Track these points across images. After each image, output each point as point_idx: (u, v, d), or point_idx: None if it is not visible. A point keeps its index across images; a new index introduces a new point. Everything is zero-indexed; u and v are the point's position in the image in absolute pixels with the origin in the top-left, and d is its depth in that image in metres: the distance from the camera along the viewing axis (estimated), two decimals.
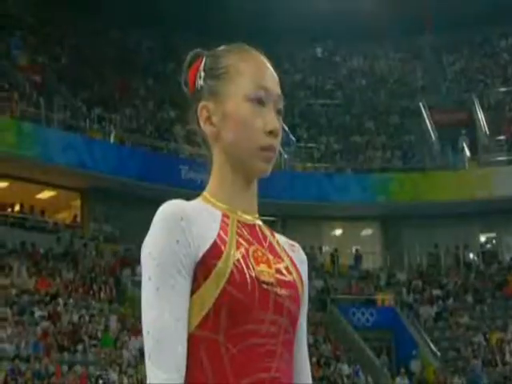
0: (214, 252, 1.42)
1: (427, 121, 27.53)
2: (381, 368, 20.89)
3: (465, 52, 30.48)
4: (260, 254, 1.47)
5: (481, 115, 27.10)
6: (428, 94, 28.81)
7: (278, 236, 1.57)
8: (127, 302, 19.77)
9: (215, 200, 1.50)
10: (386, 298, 23.09)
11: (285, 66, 30.38)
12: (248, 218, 1.52)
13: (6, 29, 24.47)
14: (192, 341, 1.40)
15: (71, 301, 18.26)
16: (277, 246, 1.53)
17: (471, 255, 24.81)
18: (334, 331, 21.63)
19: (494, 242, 25.72)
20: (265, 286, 1.43)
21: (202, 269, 1.41)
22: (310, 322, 18.91)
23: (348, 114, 28.77)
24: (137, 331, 18.13)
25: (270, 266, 1.46)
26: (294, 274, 1.51)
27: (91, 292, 19.23)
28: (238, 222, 1.49)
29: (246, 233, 1.49)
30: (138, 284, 20.47)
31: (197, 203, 1.50)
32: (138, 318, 18.86)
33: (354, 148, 27.25)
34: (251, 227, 1.51)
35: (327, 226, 25.81)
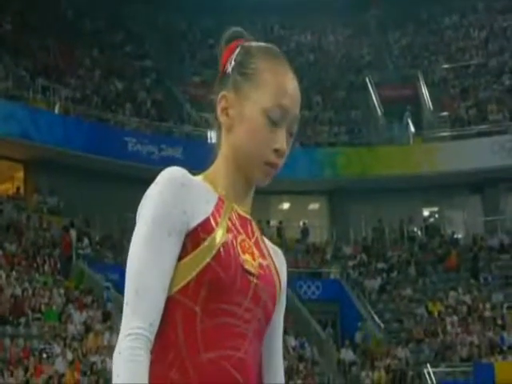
0: (206, 227, 1.47)
1: (373, 96, 27.77)
2: (326, 340, 21.20)
3: (410, 28, 30.76)
4: (247, 245, 1.52)
5: (425, 91, 27.46)
6: (374, 69, 29.03)
7: (264, 238, 1.63)
8: (72, 274, 19.56)
9: (214, 184, 1.55)
10: (331, 271, 23.39)
11: None
12: (242, 211, 1.57)
13: None
14: (171, 302, 1.45)
15: (14, 274, 17.96)
16: (262, 245, 1.59)
17: (415, 229, 25.27)
18: None
19: (436, 216, 26.23)
20: (247, 275, 1.48)
21: (192, 239, 1.46)
22: None
23: None
24: (82, 305, 17.97)
25: (254, 259, 1.52)
26: (275, 275, 1.56)
27: (35, 265, 18.94)
28: (233, 210, 1.54)
29: (237, 222, 1.54)
30: (82, 257, 20.25)
31: (199, 178, 1.54)
32: (83, 292, 18.70)
33: (302, 122, 27.31)
34: (243, 219, 1.56)
35: (275, 199, 25.91)
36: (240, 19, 30.36)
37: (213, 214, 1.49)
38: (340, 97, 28.64)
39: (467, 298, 21.44)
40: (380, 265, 23.70)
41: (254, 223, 1.60)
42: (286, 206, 27.00)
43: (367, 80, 28.20)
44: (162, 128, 24.46)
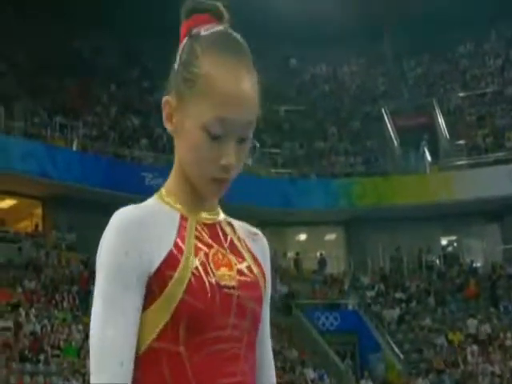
0: (170, 262, 1.34)
1: (389, 126, 27.85)
2: (345, 372, 21.06)
3: (424, 57, 30.89)
4: (220, 256, 1.40)
5: (441, 120, 27.49)
6: (389, 99, 29.15)
7: (238, 227, 1.49)
8: (91, 310, 19.65)
9: (173, 200, 1.42)
10: (349, 302, 23.30)
11: None
12: (208, 217, 1.44)
13: None
14: (152, 354, 1.34)
15: (33, 311, 18.12)
16: (238, 244, 1.46)
17: (433, 258, 25.13)
18: (299, 336, 21.75)
19: (454, 244, 26.08)
20: (226, 291, 1.37)
21: (158, 281, 1.33)
22: (275, 327, 19.00)
23: (311, 119, 28.98)
24: None
25: (231, 268, 1.40)
26: (256, 271, 1.44)
27: (54, 302, 19.10)
28: (198, 223, 1.42)
29: (205, 235, 1.42)
30: None
31: (153, 204, 1.42)
32: None
33: (318, 153, 27.45)
34: (211, 227, 1.44)
35: (291, 231, 25.96)
36: (256, 50, 30.62)
37: (176, 244, 1.36)
38: (355, 127, 28.77)
39: (487, 327, 21.22)
40: (398, 294, 23.56)
41: (224, 223, 1.47)
42: (302, 237, 27.02)
43: (382, 110, 28.31)
44: None
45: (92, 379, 1.31)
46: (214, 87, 1.33)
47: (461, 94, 28.61)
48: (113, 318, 1.31)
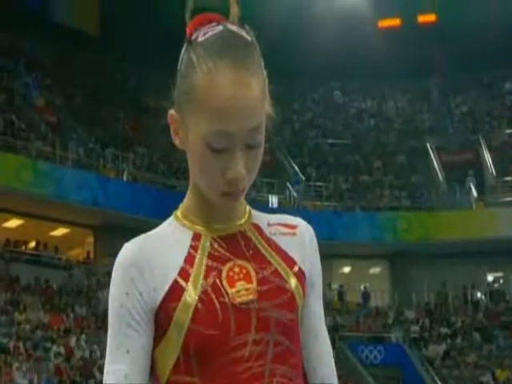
0: (174, 293, 1.29)
1: (434, 161, 27.95)
2: None
3: (471, 94, 31.00)
4: (237, 269, 1.32)
5: (487, 156, 27.49)
6: (435, 134, 29.28)
7: (266, 227, 1.39)
8: None
9: (188, 217, 1.36)
10: (393, 336, 23.25)
11: (295, 106, 30.99)
12: (226, 228, 1.35)
13: (23, 70, 25.22)
14: None
15: (83, 336, 18.57)
16: (263, 247, 1.36)
17: (479, 294, 24.99)
18: (343, 368, 21.75)
19: (501, 281, 25.89)
20: (243, 307, 1.29)
21: (163, 315, 1.29)
22: None
23: (357, 153, 29.24)
24: None
25: (250, 281, 1.31)
26: (287, 276, 1.35)
27: (103, 328, 19.53)
28: (213, 239, 1.34)
29: (222, 250, 1.33)
30: None
31: (166, 227, 1.37)
32: None
33: (363, 187, 27.65)
34: (230, 239, 1.35)
35: (336, 263, 26.08)
36: (302, 84, 31.23)
37: (181, 271, 1.30)
38: (400, 161, 28.92)
39: None
40: (443, 330, 23.45)
41: (247, 228, 1.37)
42: (347, 269, 27.11)
43: (428, 145, 28.44)
44: None
45: None
46: (211, 99, 1.24)
47: (507, 131, 28.60)
48: (118, 358, 1.29)
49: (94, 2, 28.99)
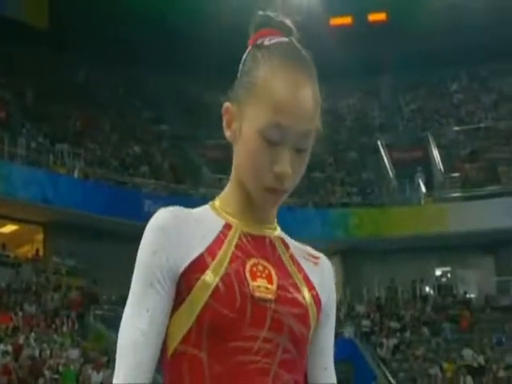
0: (199, 265, 1.33)
1: (385, 158, 28.32)
2: None
3: (420, 92, 31.49)
4: (261, 267, 1.36)
5: (436, 153, 27.98)
6: (386, 132, 29.67)
7: (293, 247, 1.45)
8: (90, 335, 19.87)
9: (223, 208, 1.41)
10: (345, 331, 23.51)
11: None
12: (257, 229, 1.41)
13: None
14: (177, 357, 1.33)
15: (33, 335, 18.31)
16: (287, 261, 1.41)
17: (427, 288, 25.43)
18: None
19: (449, 275, 26.39)
20: (260, 303, 1.32)
21: (185, 282, 1.32)
22: None
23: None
24: (100, 365, 18.23)
25: (270, 282, 1.35)
26: (305, 293, 1.39)
27: (53, 326, 19.30)
28: (243, 233, 1.39)
29: (249, 245, 1.38)
30: (100, 318, 20.60)
31: (202, 210, 1.42)
32: (101, 352, 18.99)
33: (315, 183, 27.85)
34: (258, 239, 1.40)
35: None
36: None
37: (209, 248, 1.35)
38: (352, 158, 29.22)
39: (481, 359, 21.46)
40: (393, 324, 23.81)
41: (276, 238, 1.42)
42: None
43: (378, 142, 28.80)
44: (178, 190, 25.09)
45: (114, 378, 1.33)
46: (272, 93, 1.32)
47: (455, 129, 29.15)
48: (137, 317, 1.32)
49: None
